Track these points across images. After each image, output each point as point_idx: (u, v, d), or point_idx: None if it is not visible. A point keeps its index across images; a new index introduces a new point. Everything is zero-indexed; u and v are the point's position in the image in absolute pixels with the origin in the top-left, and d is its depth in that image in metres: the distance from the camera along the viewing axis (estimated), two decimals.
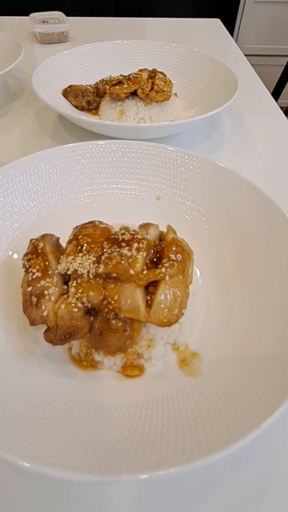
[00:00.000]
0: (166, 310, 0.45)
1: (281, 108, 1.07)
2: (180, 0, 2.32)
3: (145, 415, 0.41)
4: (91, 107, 0.96)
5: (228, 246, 0.60)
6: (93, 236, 0.49)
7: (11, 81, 1.13)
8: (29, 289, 0.46)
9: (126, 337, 0.45)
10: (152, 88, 0.87)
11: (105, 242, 0.49)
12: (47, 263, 0.47)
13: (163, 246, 0.49)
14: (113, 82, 0.89)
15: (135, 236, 0.48)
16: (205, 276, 0.59)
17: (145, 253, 0.47)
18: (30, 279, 0.46)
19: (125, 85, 0.87)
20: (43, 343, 0.45)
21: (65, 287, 0.47)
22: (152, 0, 2.29)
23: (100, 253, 0.47)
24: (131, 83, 0.87)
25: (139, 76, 0.88)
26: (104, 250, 0.47)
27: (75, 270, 0.45)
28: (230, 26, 2.50)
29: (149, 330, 0.48)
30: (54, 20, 1.37)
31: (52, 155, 0.67)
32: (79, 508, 0.39)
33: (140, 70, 0.91)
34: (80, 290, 0.44)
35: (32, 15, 1.37)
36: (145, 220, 0.53)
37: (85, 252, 0.47)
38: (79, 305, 0.44)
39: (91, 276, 0.45)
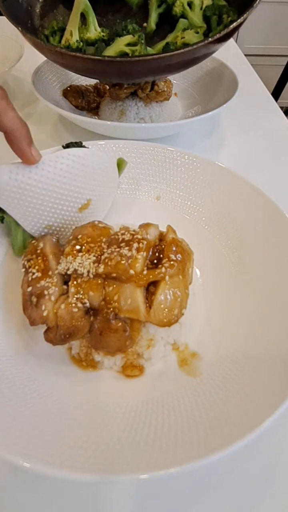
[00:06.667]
0: (166, 310, 0.45)
1: (281, 108, 1.07)
2: None
3: (145, 415, 0.41)
4: (91, 107, 0.96)
5: (228, 246, 0.60)
6: (92, 236, 0.49)
7: (11, 81, 1.13)
8: (29, 289, 0.46)
9: (126, 337, 0.45)
10: (152, 88, 0.87)
11: (105, 242, 0.49)
12: (47, 263, 0.47)
13: (163, 246, 0.49)
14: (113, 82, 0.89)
15: (135, 236, 0.48)
16: (205, 276, 0.59)
17: (145, 253, 0.47)
18: (30, 279, 0.46)
19: (125, 85, 0.87)
20: (43, 343, 0.45)
21: (65, 287, 0.47)
22: None
23: (100, 253, 0.47)
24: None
25: None
26: (104, 250, 0.47)
27: (75, 270, 0.45)
28: None
29: (149, 330, 0.48)
30: None
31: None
32: (79, 508, 0.39)
33: None
34: (80, 290, 0.44)
35: None
36: (145, 220, 0.53)
37: (84, 252, 0.47)
38: (79, 305, 0.44)
39: (91, 276, 0.45)
